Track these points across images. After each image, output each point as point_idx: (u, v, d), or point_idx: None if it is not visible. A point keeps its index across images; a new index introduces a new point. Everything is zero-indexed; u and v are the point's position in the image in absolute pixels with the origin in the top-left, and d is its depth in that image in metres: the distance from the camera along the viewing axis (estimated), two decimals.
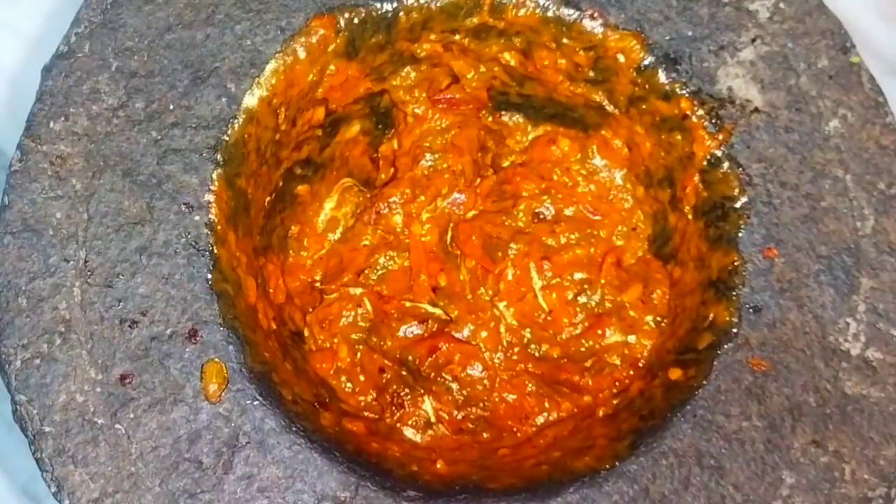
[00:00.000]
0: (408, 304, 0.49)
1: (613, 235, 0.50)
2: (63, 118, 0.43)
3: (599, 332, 0.48)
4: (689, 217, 0.46)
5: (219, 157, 0.43)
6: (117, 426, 0.39)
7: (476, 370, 0.47)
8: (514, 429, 0.46)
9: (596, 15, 0.47)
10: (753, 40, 0.47)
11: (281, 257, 0.49)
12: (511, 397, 0.47)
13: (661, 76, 0.46)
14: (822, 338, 0.42)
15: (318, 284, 0.49)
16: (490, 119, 0.51)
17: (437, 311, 0.49)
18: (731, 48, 0.47)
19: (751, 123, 0.45)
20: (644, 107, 0.47)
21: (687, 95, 0.46)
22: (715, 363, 0.42)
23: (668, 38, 0.47)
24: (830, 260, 0.43)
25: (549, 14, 0.47)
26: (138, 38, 0.44)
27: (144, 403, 0.40)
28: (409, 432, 0.46)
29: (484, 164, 0.52)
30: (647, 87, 0.47)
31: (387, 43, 0.48)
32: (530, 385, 0.47)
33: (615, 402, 0.45)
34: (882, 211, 0.44)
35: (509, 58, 0.49)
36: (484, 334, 0.48)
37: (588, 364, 0.48)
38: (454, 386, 0.47)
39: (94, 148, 0.43)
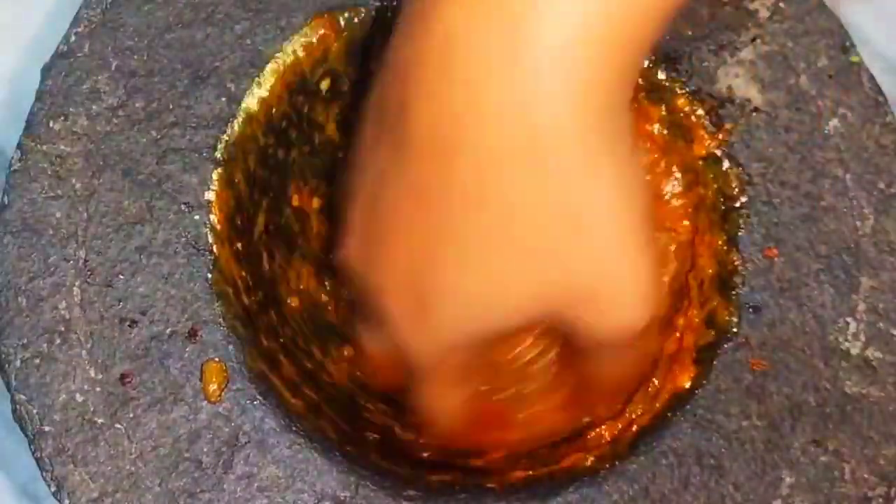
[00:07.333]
0: None
1: None
2: (63, 118, 0.43)
3: None
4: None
5: (219, 156, 0.43)
6: (117, 426, 0.39)
7: None
8: None
9: None
10: (753, 40, 0.47)
11: None
12: None
13: (661, 75, 0.46)
14: (821, 337, 0.42)
15: None
16: None
17: None
18: (731, 48, 0.46)
19: (751, 123, 0.45)
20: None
21: (686, 94, 0.46)
22: (715, 363, 0.42)
23: (667, 37, 0.47)
24: (830, 259, 0.43)
25: None
26: (138, 37, 0.44)
27: (144, 403, 0.40)
28: None
29: None
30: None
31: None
32: None
33: None
34: (882, 210, 0.44)
35: None
36: None
37: None
38: None
39: (94, 148, 0.43)
